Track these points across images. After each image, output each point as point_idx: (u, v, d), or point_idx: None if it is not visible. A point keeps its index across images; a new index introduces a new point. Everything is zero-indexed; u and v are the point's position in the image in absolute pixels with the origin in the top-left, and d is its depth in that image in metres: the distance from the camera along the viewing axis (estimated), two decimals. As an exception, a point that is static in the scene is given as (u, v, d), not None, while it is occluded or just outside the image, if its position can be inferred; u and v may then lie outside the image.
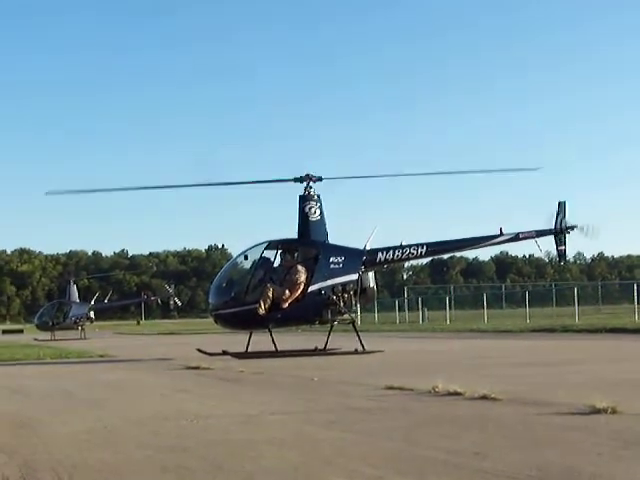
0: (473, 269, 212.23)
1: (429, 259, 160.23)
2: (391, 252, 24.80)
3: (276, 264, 23.90)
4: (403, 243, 25.06)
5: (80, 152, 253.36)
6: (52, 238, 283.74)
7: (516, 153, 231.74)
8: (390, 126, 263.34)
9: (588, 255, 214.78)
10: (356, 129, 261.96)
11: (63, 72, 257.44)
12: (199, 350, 23.92)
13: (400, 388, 12.61)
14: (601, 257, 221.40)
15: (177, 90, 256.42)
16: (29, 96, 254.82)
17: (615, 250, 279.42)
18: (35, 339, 53.72)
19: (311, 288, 23.15)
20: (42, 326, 62.70)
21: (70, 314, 61.95)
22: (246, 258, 24.24)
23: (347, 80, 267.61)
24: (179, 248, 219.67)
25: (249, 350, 23.03)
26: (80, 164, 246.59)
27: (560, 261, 28.54)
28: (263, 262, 23.67)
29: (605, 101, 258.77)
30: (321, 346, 24.20)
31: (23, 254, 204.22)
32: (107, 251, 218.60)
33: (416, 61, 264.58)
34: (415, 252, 25.15)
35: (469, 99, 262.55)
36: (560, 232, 26.66)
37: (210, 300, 24.84)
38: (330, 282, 23.26)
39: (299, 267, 23.31)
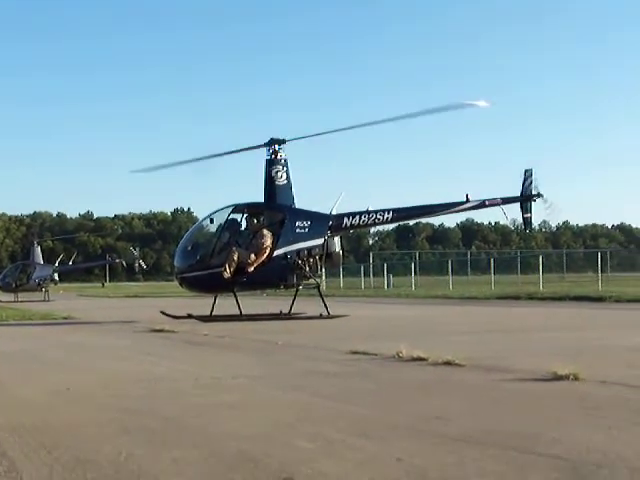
0: (439, 235, 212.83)
1: (395, 225, 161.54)
2: (357, 217, 24.83)
3: (242, 228, 23.87)
4: (369, 208, 25.09)
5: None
6: (16, 199, 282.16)
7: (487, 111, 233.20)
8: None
9: (553, 223, 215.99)
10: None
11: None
12: (163, 313, 23.85)
13: (364, 353, 12.65)
14: (566, 226, 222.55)
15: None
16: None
17: (580, 219, 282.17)
18: (-2, 300, 53.40)
19: (277, 252, 23.15)
20: (5, 287, 62.32)
21: (34, 276, 61.61)
22: (212, 221, 24.19)
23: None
24: (145, 211, 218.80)
25: (214, 313, 23.02)
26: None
27: (526, 229, 28.72)
28: (229, 226, 23.62)
29: (578, 62, 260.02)
30: (286, 310, 24.21)
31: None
32: (72, 212, 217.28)
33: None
34: (381, 218, 25.19)
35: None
36: (526, 200, 26.79)
37: (175, 263, 24.78)
38: (296, 246, 23.28)
39: (265, 231, 23.29)
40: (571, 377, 9.13)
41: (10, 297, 57.40)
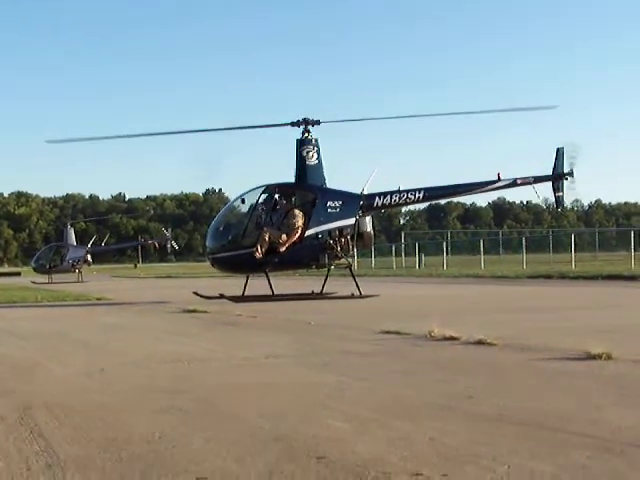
0: (470, 215, 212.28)
1: (426, 204, 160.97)
2: (389, 197, 24.76)
3: (273, 208, 23.87)
4: (401, 188, 25.02)
5: (79, 95, 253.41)
6: (49, 181, 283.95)
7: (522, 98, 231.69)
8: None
9: (585, 202, 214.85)
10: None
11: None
12: (196, 293, 23.96)
13: (396, 332, 12.66)
14: (598, 204, 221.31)
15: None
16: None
17: (612, 197, 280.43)
18: (32, 282, 53.75)
19: (308, 232, 23.15)
20: (39, 269, 62.74)
21: (67, 257, 61.93)
22: (243, 202, 24.19)
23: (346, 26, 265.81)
24: (176, 192, 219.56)
25: (246, 294, 23.07)
26: (79, 106, 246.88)
27: (557, 207, 28.51)
28: (260, 206, 23.63)
29: (613, 49, 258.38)
30: (318, 290, 24.26)
31: (20, 197, 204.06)
32: (104, 194, 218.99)
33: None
34: (413, 197, 25.12)
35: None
36: (558, 178, 26.64)
37: (207, 244, 24.85)
38: (327, 226, 23.26)
39: (296, 211, 23.29)
40: (604, 356, 9.10)
41: (44, 279, 57.85)
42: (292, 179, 24.21)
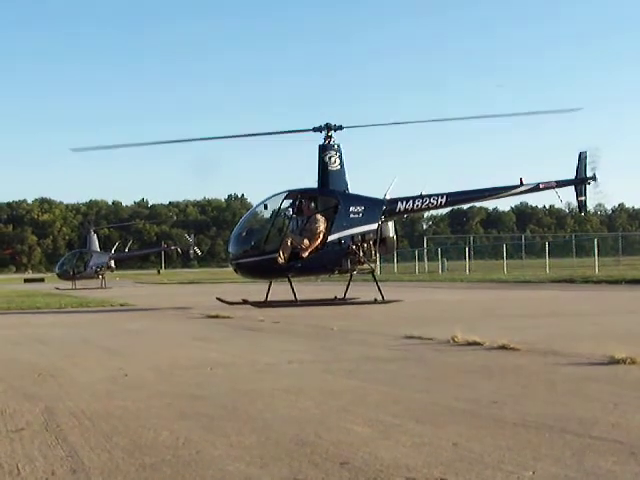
0: (493, 219, 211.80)
1: (449, 209, 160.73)
2: (411, 202, 24.75)
3: (296, 214, 23.89)
4: (423, 193, 25.00)
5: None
6: (72, 187, 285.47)
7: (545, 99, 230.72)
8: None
9: (609, 206, 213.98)
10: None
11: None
12: (219, 299, 24.03)
13: (419, 338, 12.63)
14: (622, 208, 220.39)
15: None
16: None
17: (636, 201, 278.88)
18: (56, 288, 53.99)
19: (331, 238, 23.17)
20: (63, 275, 63.07)
21: (91, 263, 62.27)
22: (266, 207, 24.24)
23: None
24: (199, 198, 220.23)
25: (269, 299, 23.11)
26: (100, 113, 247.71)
27: (580, 212, 28.43)
28: (283, 211, 23.68)
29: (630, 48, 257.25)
30: (340, 295, 24.27)
31: (44, 203, 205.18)
32: (127, 200, 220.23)
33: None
34: (435, 202, 25.09)
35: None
36: (581, 183, 26.56)
37: (230, 249, 24.91)
38: (350, 232, 23.27)
39: (319, 217, 23.31)
40: (628, 361, 9.05)
41: (68, 284, 58.14)
42: (315, 184, 24.24)
